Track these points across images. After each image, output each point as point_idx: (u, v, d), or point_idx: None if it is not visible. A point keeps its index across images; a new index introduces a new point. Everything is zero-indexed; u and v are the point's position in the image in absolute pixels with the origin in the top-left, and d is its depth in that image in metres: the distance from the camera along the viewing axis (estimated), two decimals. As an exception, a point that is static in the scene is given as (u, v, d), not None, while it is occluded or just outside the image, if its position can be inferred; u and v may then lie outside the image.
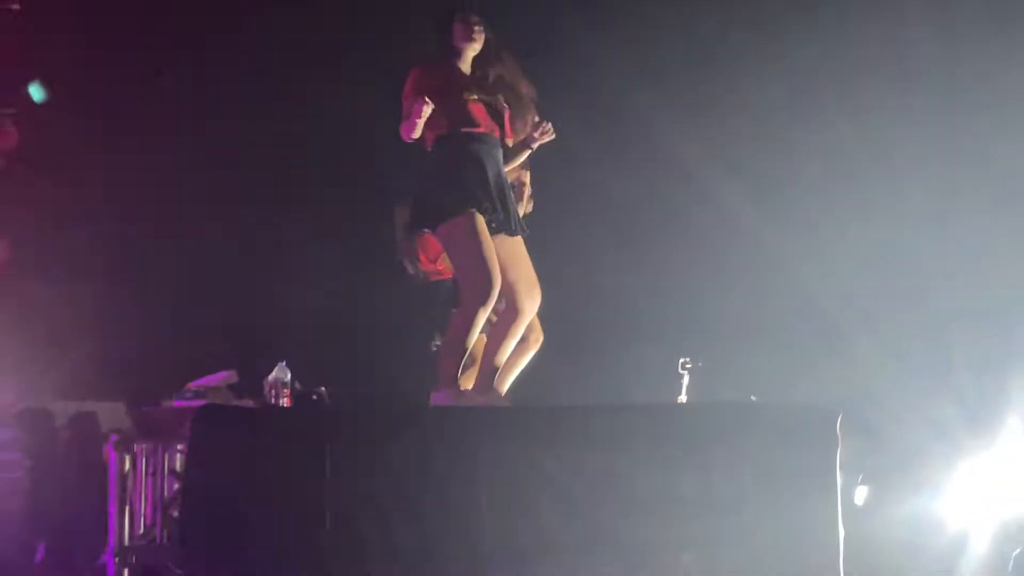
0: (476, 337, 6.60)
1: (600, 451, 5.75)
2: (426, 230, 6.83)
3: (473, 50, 6.82)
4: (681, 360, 7.38)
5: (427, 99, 6.44)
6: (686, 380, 7.33)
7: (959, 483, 6.93)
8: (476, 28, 6.78)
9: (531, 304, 6.74)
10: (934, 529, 6.92)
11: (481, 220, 6.53)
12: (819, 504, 5.65)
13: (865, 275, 10.58)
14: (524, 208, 7.40)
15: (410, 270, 7.67)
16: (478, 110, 6.69)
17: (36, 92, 10.00)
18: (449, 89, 6.66)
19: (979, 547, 6.85)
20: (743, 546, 5.65)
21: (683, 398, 7.29)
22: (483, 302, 6.49)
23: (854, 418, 6.10)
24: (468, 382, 6.83)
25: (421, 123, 6.48)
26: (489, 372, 6.69)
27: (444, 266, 7.36)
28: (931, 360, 9.32)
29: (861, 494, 7.19)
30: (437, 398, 6.55)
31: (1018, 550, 6.43)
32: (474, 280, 6.51)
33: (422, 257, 7.51)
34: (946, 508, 6.92)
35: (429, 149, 6.69)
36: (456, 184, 6.57)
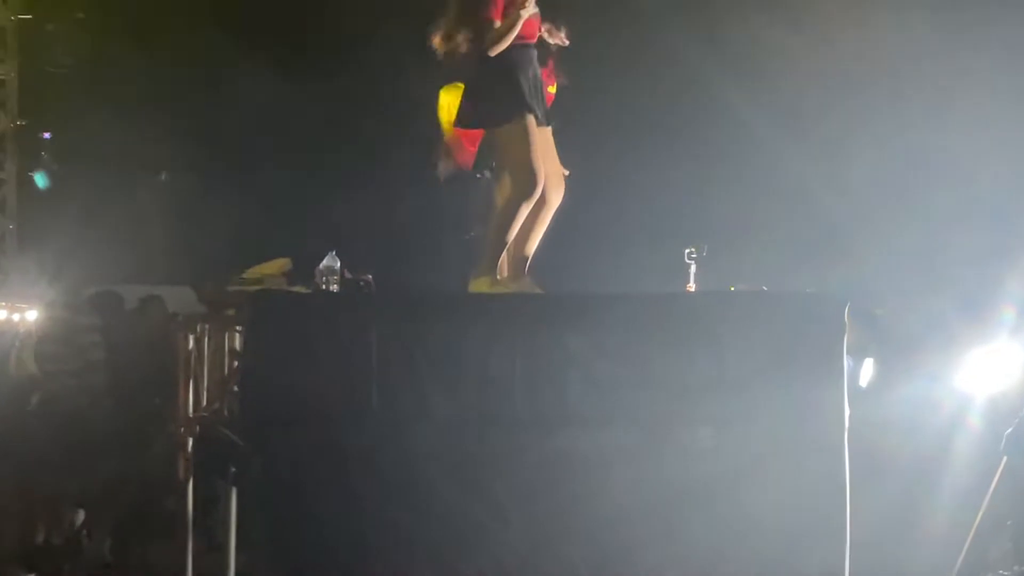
0: (518, 229, 6.53)
1: (622, 335, 5.66)
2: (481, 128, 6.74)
3: None
4: (686, 250, 7.26)
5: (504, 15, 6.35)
6: (693, 269, 7.23)
7: (956, 368, 6.86)
8: None
9: (557, 196, 6.67)
10: (932, 410, 6.86)
11: (533, 122, 6.44)
12: (826, 386, 5.53)
13: (867, 175, 10.44)
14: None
15: (442, 166, 7.54)
16: (530, 24, 6.55)
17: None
18: (512, 5, 6.50)
19: (973, 426, 6.80)
20: (755, 424, 5.55)
21: (692, 286, 7.18)
22: (528, 196, 6.42)
23: (859, 307, 6.00)
24: (502, 271, 6.76)
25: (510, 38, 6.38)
26: (520, 261, 6.63)
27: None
28: (931, 255, 9.21)
29: (866, 377, 7.12)
30: (477, 286, 6.48)
31: (1009, 429, 6.36)
32: (524, 178, 6.42)
33: (465, 144, 7.38)
34: (943, 391, 6.86)
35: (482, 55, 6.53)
36: (515, 90, 6.42)
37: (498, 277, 6.53)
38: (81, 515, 8.65)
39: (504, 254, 6.67)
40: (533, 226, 6.62)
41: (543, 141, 6.58)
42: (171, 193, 14.13)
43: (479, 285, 6.47)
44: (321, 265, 6.59)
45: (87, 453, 8.49)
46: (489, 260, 6.53)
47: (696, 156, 11.07)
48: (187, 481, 6.17)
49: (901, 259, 9.38)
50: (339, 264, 6.58)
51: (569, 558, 5.56)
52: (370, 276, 6.82)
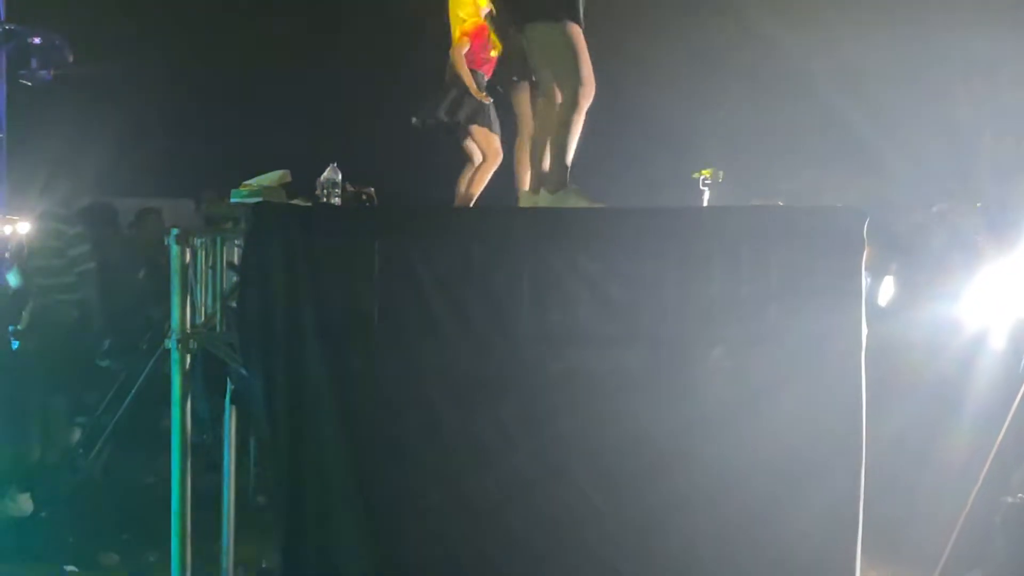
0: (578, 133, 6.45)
1: (634, 251, 5.59)
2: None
3: None
4: (700, 177, 7.22)
5: None
6: (707, 195, 7.19)
7: (978, 287, 6.82)
8: None
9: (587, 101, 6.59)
10: (953, 330, 6.83)
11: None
12: (844, 304, 5.47)
13: (889, 85, 10.35)
14: None
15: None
16: None
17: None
18: None
19: (995, 346, 6.77)
20: (769, 343, 5.50)
21: None
22: (590, 96, 6.37)
23: (880, 223, 5.95)
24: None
25: None
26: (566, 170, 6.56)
27: None
28: (953, 168, 9.15)
29: (885, 296, 7.10)
30: (556, 199, 6.39)
31: (1031, 349, 6.35)
32: (588, 78, 6.35)
33: (476, 49, 7.33)
34: (965, 310, 6.83)
35: None
36: None
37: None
38: (76, 433, 8.71)
39: (527, 170, 6.62)
40: (571, 131, 6.47)
41: None
42: (170, 102, 14.05)
43: (560, 199, 6.37)
44: (322, 177, 6.55)
45: (80, 368, 8.53)
46: (559, 172, 6.42)
47: (716, 69, 10.99)
48: (184, 399, 6.16)
49: (925, 173, 9.30)
50: (340, 176, 6.54)
51: (578, 483, 5.54)
52: (372, 189, 6.78)
